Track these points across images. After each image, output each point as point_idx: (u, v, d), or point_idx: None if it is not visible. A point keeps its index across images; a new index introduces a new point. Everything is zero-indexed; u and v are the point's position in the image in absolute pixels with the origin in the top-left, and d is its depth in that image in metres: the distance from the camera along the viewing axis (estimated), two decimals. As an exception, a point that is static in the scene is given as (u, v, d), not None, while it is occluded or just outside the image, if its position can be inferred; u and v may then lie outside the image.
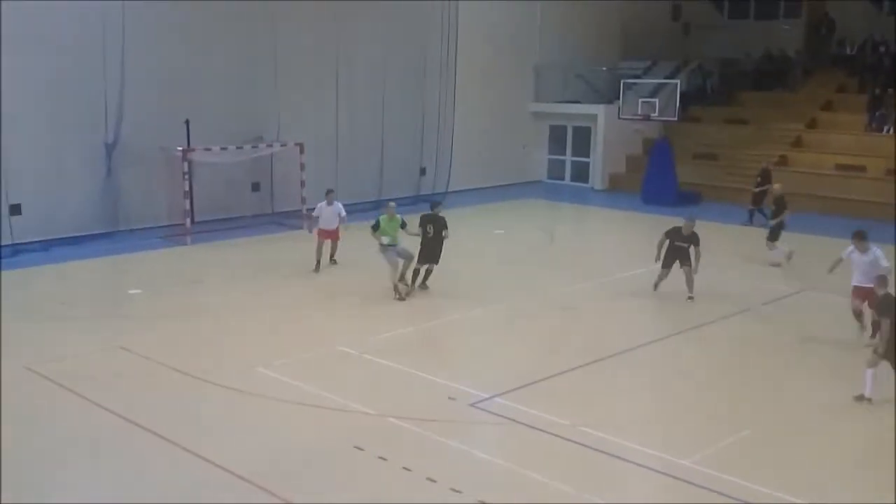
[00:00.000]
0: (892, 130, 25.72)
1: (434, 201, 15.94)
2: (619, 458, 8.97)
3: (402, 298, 14.64)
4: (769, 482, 8.42)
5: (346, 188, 23.12)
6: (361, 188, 23.14)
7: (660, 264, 14.86)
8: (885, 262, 12.17)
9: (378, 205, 22.75)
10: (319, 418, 9.92)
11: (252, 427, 9.72)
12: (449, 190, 25.78)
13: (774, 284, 16.08)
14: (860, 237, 12.49)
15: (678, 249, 14.69)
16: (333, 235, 16.89)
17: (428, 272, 15.13)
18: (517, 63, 28.40)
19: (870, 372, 10.27)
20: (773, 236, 17.42)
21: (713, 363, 12.05)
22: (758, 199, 21.58)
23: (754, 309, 14.52)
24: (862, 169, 24.83)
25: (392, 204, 15.33)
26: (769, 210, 18.68)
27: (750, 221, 21.73)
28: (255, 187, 21.91)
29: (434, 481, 8.41)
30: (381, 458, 8.88)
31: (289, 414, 10.03)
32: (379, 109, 23.94)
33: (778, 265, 17.20)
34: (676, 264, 14.79)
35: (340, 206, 16.77)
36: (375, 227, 14.71)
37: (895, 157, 23.93)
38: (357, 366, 11.69)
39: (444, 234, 14.90)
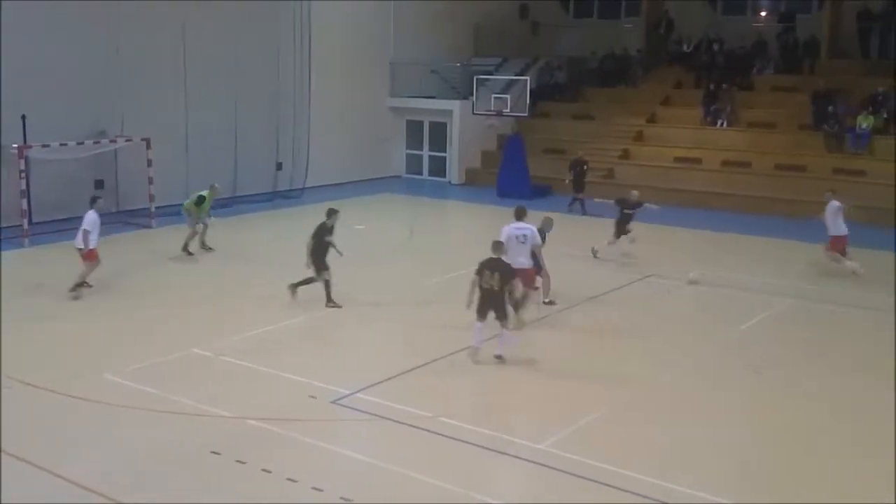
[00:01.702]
0: (725, 124, 27.48)
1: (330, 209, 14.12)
2: (479, 446, 9.18)
3: (191, 254, 17.14)
4: (619, 461, 8.85)
5: (199, 184, 22.29)
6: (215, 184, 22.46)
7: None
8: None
9: (232, 202, 22.28)
10: (173, 424, 9.62)
11: (101, 437, 9.32)
12: (307, 185, 25.50)
13: (615, 273, 16.83)
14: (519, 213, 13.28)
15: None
16: (90, 256, 14.15)
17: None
18: (373, 58, 28.32)
19: (477, 325, 11.63)
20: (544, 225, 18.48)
21: (563, 350, 12.54)
22: (580, 187, 23.38)
23: (599, 297, 15.13)
24: (698, 161, 26.40)
25: (217, 186, 17.89)
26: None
27: (569, 209, 23.00)
28: (99, 185, 20.83)
29: (295, 481, 8.34)
30: (239, 461, 8.71)
31: (140, 421, 9.67)
32: (231, 103, 23.30)
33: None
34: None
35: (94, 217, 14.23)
36: (199, 203, 16.90)
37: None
38: (213, 368, 11.39)
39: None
